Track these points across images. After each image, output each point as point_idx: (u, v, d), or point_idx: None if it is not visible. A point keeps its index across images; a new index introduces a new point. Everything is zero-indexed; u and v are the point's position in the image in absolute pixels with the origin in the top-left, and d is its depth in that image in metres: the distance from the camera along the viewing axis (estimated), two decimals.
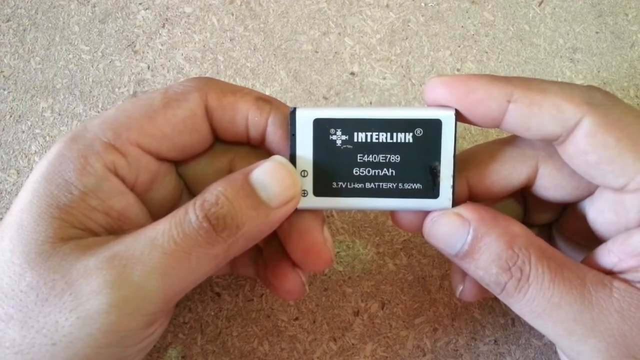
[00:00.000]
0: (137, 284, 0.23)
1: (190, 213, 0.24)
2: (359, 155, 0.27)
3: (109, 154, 0.26)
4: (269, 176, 0.26)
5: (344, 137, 0.27)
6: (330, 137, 0.27)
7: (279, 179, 0.26)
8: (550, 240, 0.33)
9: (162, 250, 0.24)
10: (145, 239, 0.24)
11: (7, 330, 0.23)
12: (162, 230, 0.24)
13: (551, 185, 0.28)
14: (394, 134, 0.27)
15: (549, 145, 0.28)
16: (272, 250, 0.31)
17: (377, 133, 0.27)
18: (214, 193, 0.25)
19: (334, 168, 0.27)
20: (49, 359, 0.23)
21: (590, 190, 0.28)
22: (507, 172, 0.28)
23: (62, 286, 0.23)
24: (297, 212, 0.28)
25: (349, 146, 0.27)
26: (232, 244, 0.25)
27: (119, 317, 0.23)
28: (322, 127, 0.27)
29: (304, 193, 0.28)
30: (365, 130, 0.27)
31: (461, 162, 0.29)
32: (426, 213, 0.28)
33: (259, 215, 0.26)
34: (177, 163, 0.30)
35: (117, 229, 0.27)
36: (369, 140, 0.27)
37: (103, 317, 0.23)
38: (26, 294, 0.23)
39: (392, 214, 0.30)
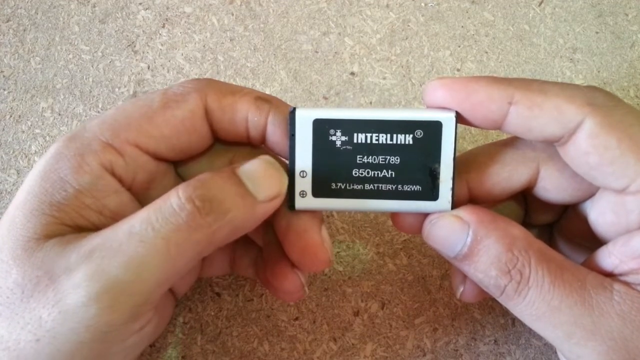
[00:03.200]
0: (114, 275, 0.23)
1: (172, 197, 0.24)
2: (358, 156, 0.27)
3: (106, 153, 0.26)
4: (256, 170, 0.26)
5: (343, 138, 0.27)
6: (330, 137, 0.27)
7: (266, 174, 0.26)
8: (550, 240, 0.33)
9: (138, 238, 0.23)
10: (123, 230, 0.24)
11: None
12: (140, 218, 0.24)
13: (552, 187, 0.28)
14: (394, 136, 0.27)
15: (550, 147, 0.27)
16: (271, 250, 0.31)
17: (377, 134, 0.27)
18: (200, 179, 0.25)
19: (333, 169, 0.27)
20: (34, 355, 0.23)
21: (592, 191, 0.28)
22: (508, 174, 0.28)
23: (45, 282, 0.23)
24: (295, 212, 0.28)
25: (348, 147, 0.27)
26: (216, 231, 0.24)
27: (98, 309, 0.23)
28: (321, 127, 0.27)
29: (303, 194, 0.28)
30: (365, 131, 0.27)
31: (461, 164, 0.29)
32: (426, 215, 0.28)
33: (246, 205, 0.25)
34: (177, 163, 0.30)
35: None
36: (368, 141, 0.27)
37: (83, 310, 0.23)
38: (12, 290, 0.23)
39: (392, 215, 0.30)
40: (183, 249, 0.24)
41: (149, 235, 0.23)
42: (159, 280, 0.24)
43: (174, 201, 0.24)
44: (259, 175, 0.26)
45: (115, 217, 0.27)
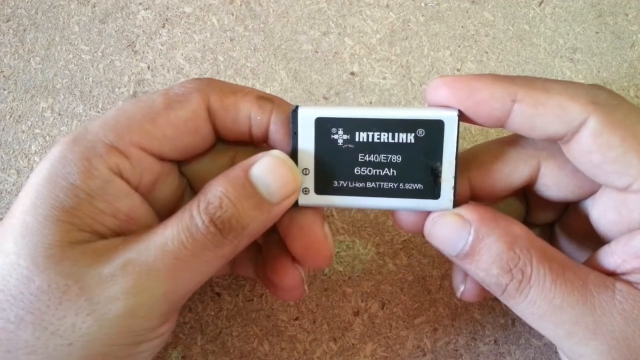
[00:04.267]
0: (152, 289, 0.24)
1: (196, 218, 0.25)
2: (360, 154, 0.27)
3: (112, 156, 0.26)
4: (269, 173, 0.26)
5: (345, 137, 0.27)
6: (332, 136, 0.27)
7: (279, 175, 0.27)
8: (552, 239, 0.33)
9: (173, 256, 0.24)
10: (155, 245, 0.25)
11: (19, 332, 0.23)
12: (171, 236, 0.25)
13: (553, 184, 0.28)
14: (396, 134, 0.27)
15: (551, 144, 0.27)
16: (272, 246, 0.31)
17: (378, 133, 0.27)
18: (217, 195, 0.25)
19: (335, 167, 0.27)
20: (65, 357, 0.24)
21: (593, 189, 0.28)
22: (509, 172, 0.28)
23: (75, 291, 0.24)
24: (298, 208, 0.28)
25: (350, 145, 0.27)
26: (238, 243, 0.26)
27: (135, 319, 0.24)
28: (323, 126, 0.27)
29: (306, 191, 0.28)
30: (367, 130, 0.27)
31: (463, 161, 0.28)
32: (427, 214, 0.28)
33: (262, 214, 0.26)
34: (180, 162, 0.30)
35: (124, 230, 0.27)
36: (370, 139, 0.27)
37: (121, 320, 0.24)
38: (37, 297, 0.24)
39: (393, 214, 0.30)
40: (212, 262, 0.26)
41: (183, 253, 0.25)
42: (190, 290, 0.26)
43: (199, 222, 0.25)
44: (272, 177, 0.26)
45: (129, 220, 0.27)
